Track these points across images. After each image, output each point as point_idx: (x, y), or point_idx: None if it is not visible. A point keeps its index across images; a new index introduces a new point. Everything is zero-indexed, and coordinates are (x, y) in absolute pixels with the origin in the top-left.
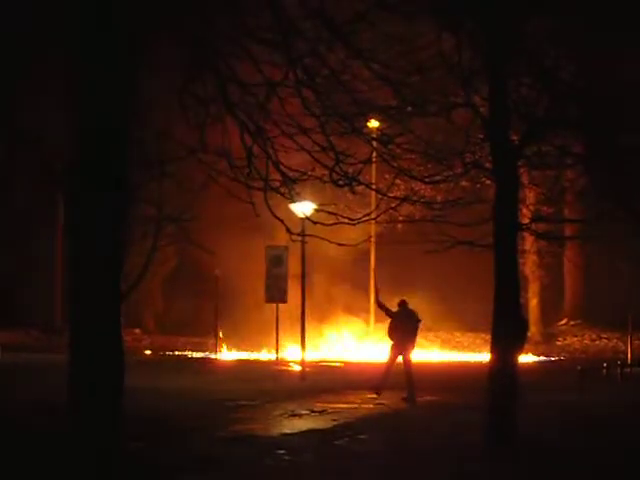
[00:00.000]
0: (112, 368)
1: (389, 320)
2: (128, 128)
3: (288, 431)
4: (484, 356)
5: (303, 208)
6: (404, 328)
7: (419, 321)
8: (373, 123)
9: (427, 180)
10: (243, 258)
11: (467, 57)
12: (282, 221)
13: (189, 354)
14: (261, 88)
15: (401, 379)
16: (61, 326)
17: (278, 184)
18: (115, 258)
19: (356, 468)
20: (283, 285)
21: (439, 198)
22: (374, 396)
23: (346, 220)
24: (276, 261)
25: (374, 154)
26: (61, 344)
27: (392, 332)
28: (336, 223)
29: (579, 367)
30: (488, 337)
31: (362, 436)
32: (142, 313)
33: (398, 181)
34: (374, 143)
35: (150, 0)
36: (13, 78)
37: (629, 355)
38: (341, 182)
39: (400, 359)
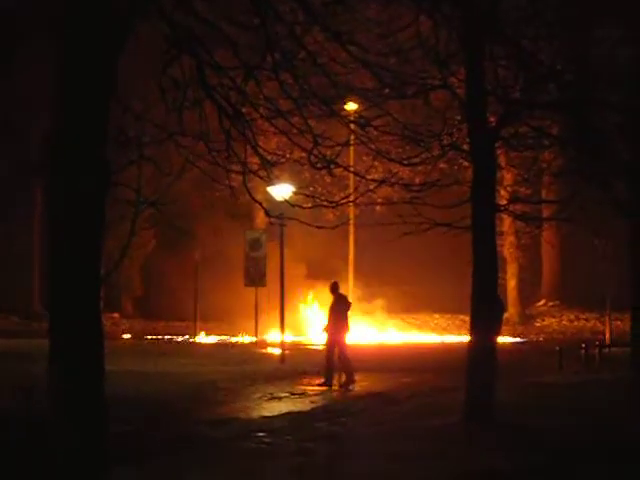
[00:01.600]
0: (93, 351)
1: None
2: (107, 110)
3: (268, 414)
4: (463, 338)
5: (282, 191)
6: (336, 313)
7: (349, 304)
8: (351, 106)
9: (405, 162)
10: (222, 242)
11: (444, 39)
12: (261, 204)
13: (168, 338)
14: (238, 71)
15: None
16: (40, 312)
17: (257, 167)
18: (93, 241)
19: (336, 450)
20: (262, 269)
21: (417, 180)
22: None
23: (325, 203)
24: (255, 245)
25: (352, 137)
26: (40, 329)
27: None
28: (315, 206)
29: (557, 348)
30: (467, 319)
31: (342, 418)
32: (121, 297)
33: (376, 163)
34: (352, 126)
35: None
36: None
37: (607, 336)
38: (319, 165)
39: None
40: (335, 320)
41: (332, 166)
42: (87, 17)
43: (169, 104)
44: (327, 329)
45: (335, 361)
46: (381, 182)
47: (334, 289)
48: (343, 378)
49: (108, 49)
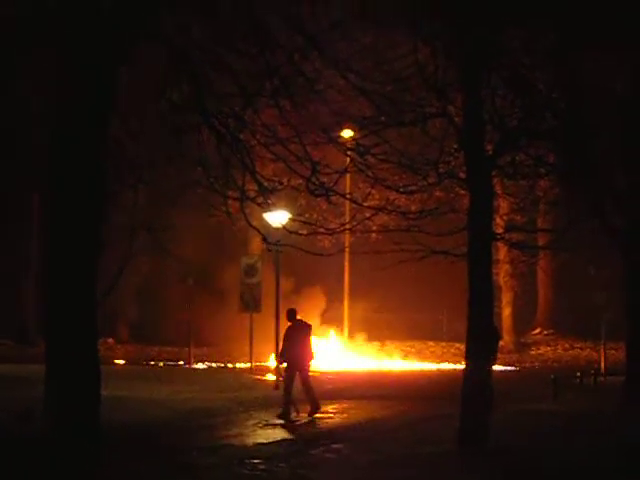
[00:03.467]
0: (88, 377)
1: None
2: (106, 133)
3: (263, 440)
4: (458, 366)
5: (278, 217)
6: (295, 341)
7: (310, 328)
8: (347, 133)
9: (402, 190)
10: (217, 267)
11: (442, 67)
12: (258, 230)
13: (163, 364)
14: (237, 98)
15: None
16: (34, 336)
17: (254, 194)
18: (90, 265)
19: (329, 478)
20: (257, 295)
21: (413, 208)
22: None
23: (322, 230)
24: (250, 271)
25: (350, 164)
26: (35, 354)
27: (285, 349)
28: (312, 233)
29: (552, 376)
30: (462, 347)
31: (336, 445)
32: (115, 323)
33: (373, 191)
34: (350, 153)
35: (133, 5)
36: None
37: (602, 364)
38: (318, 192)
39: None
40: (295, 348)
41: (330, 194)
42: (88, 35)
43: (168, 128)
44: (283, 358)
45: (293, 392)
46: (379, 210)
47: (291, 316)
48: (308, 408)
49: (107, 66)
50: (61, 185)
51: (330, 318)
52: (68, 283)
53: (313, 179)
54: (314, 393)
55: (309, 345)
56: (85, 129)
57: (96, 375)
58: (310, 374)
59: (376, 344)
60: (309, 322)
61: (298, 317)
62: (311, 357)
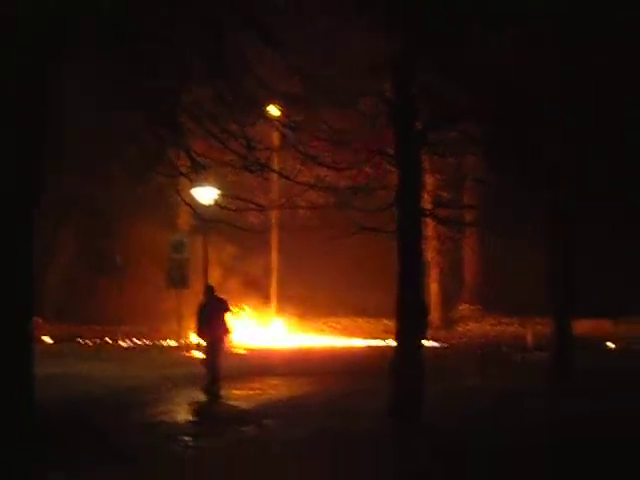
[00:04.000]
0: (21, 354)
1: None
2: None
3: (193, 418)
4: (385, 342)
5: (207, 194)
6: (215, 318)
7: (228, 309)
8: (274, 110)
9: (334, 166)
10: (145, 244)
11: (376, 46)
12: (190, 206)
13: (92, 342)
14: (172, 75)
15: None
16: None
17: (185, 170)
18: (24, 245)
19: (259, 454)
20: (185, 271)
21: (342, 184)
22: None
23: (252, 206)
24: (178, 247)
25: (282, 140)
26: None
27: (202, 325)
28: (242, 210)
29: (480, 352)
30: (390, 323)
31: (266, 421)
32: (43, 302)
33: (302, 167)
34: (282, 129)
35: None
36: None
37: (529, 340)
38: (253, 168)
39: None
40: (211, 323)
41: (265, 170)
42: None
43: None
44: (202, 333)
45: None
46: (311, 186)
47: (209, 292)
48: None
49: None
50: None
51: (258, 294)
52: (2, 261)
53: (248, 156)
54: (219, 372)
55: (224, 321)
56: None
57: (29, 352)
58: (230, 351)
59: (304, 321)
60: (223, 297)
61: (215, 294)
62: (227, 332)
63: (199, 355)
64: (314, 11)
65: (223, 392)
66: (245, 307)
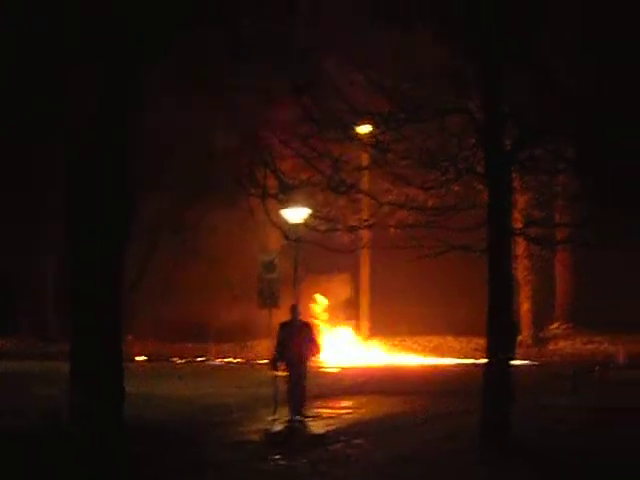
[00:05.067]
0: (113, 374)
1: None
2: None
3: (282, 436)
4: (477, 361)
5: (297, 214)
6: (297, 339)
7: (312, 332)
8: (364, 129)
9: (423, 186)
10: (237, 264)
11: (462, 63)
12: (280, 227)
13: (184, 360)
14: (261, 96)
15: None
16: (54, 333)
17: (274, 190)
18: (115, 263)
19: (350, 473)
20: (275, 290)
21: (430, 203)
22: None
23: (340, 226)
24: (268, 267)
25: (370, 161)
26: (55, 351)
27: (282, 345)
28: (331, 230)
29: (573, 370)
30: (480, 342)
31: (357, 441)
32: (135, 319)
33: (390, 186)
34: (370, 150)
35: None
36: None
37: (622, 358)
38: (340, 189)
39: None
40: (295, 343)
41: (352, 190)
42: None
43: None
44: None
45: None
46: (400, 206)
47: (294, 312)
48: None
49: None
50: (84, 184)
51: (350, 313)
52: (93, 280)
53: (335, 176)
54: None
55: (310, 341)
56: (108, 131)
57: (120, 372)
58: (322, 370)
59: (395, 339)
60: (309, 321)
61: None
62: (315, 353)
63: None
64: (396, 28)
65: (314, 411)
66: (337, 326)
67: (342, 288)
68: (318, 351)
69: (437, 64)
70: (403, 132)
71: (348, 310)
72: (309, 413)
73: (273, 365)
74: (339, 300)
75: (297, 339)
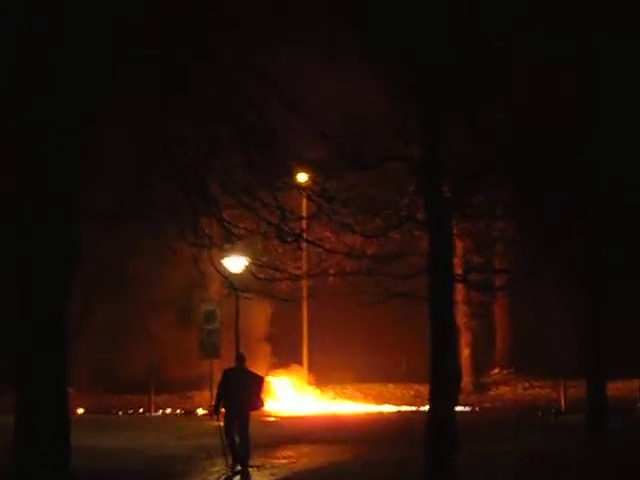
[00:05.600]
0: (59, 425)
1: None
2: (74, 187)
3: None
4: (417, 408)
5: (238, 262)
6: (243, 389)
7: (260, 383)
8: (302, 177)
9: (366, 234)
10: (177, 313)
11: (401, 108)
12: (226, 277)
13: (124, 412)
14: (203, 145)
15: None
16: None
17: (218, 239)
18: (59, 313)
19: None
20: (216, 341)
21: (370, 251)
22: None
23: (280, 275)
24: (209, 317)
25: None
26: None
27: (225, 393)
28: (275, 279)
29: (515, 416)
30: (421, 389)
31: None
32: (73, 371)
33: (328, 234)
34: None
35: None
36: None
37: (563, 403)
38: (288, 239)
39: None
40: (241, 394)
41: (300, 239)
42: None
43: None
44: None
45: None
46: (345, 254)
47: (239, 360)
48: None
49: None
50: (31, 234)
51: (288, 361)
52: (39, 331)
53: (282, 225)
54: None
55: (256, 394)
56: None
57: (66, 424)
58: (262, 419)
59: (336, 387)
60: (257, 372)
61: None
62: (259, 406)
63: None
64: (334, 75)
65: (258, 461)
66: (276, 374)
67: (282, 335)
68: (262, 406)
69: (378, 110)
70: (346, 179)
71: (287, 358)
72: (254, 463)
73: (215, 412)
74: (277, 347)
75: (243, 389)
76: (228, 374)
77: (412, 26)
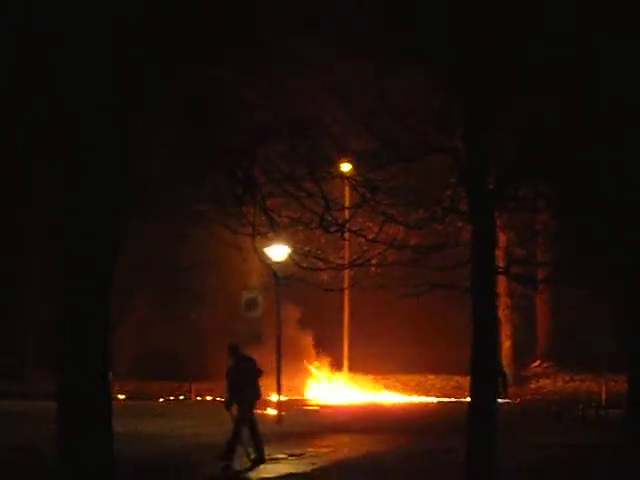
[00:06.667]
0: (100, 413)
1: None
2: (119, 178)
3: (267, 475)
4: (457, 399)
5: (280, 251)
6: (244, 382)
7: (258, 371)
8: (346, 167)
9: (410, 225)
10: (219, 301)
11: (446, 101)
12: (270, 266)
13: (164, 399)
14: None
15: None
16: (31, 374)
17: (262, 229)
18: (103, 302)
19: None
20: (257, 328)
21: (412, 242)
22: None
23: (328, 264)
24: (251, 304)
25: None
26: (31, 391)
27: (233, 390)
28: (316, 269)
29: (555, 409)
30: (461, 380)
31: None
32: (115, 358)
33: (370, 224)
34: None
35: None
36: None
37: (604, 396)
38: (332, 228)
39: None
40: (242, 387)
41: (344, 230)
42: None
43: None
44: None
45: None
46: (390, 245)
47: (234, 352)
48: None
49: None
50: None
51: (329, 351)
52: (83, 319)
53: (326, 215)
54: (240, 440)
55: (256, 384)
56: (99, 174)
57: (109, 410)
58: (303, 409)
59: (377, 377)
60: (251, 357)
61: (241, 353)
62: (257, 397)
63: (272, 413)
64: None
65: (299, 450)
66: (318, 364)
67: (323, 325)
68: (259, 397)
69: (422, 102)
70: (389, 170)
71: (329, 348)
72: (293, 452)
73: (227, 407)
74: (319, 337)
75: (243, 383)
76: (229, 370)
77: (454, 15)
